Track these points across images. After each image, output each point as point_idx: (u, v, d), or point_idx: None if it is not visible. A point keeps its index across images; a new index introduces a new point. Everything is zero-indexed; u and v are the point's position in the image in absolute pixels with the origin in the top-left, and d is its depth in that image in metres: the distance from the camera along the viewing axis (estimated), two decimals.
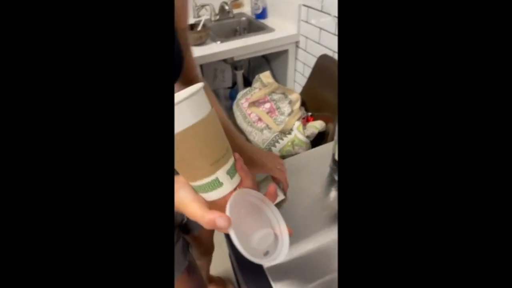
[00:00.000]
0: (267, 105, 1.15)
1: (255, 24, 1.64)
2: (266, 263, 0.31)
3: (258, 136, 1.09)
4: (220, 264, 1.24)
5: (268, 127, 1.09)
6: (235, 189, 0.34)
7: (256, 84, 1.24)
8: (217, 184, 0.32)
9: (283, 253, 0.33)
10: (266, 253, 0.34)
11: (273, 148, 1.06)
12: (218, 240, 1.09)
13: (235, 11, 1.75)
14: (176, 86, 0.62)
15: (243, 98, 1.22)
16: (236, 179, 0.33)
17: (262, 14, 1.63)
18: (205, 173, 0.31)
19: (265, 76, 1.21)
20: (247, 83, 1.69)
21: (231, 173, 0.32)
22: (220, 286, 1.21)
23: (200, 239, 0.93)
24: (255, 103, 1.17)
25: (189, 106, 0.29)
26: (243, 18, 1.72)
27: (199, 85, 0.31)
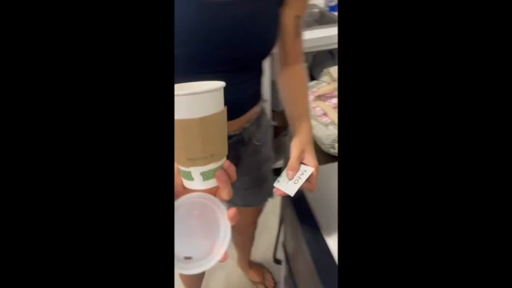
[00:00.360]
0: (334, 100, 1.11)
1: (327, 16, 1.58)
2: (177, 267, 0.32)
3: (322, 131, 1.06)
4: (263, 251, 1.25)
5: (333, 122, 1.05)
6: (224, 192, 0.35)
7: (324, 78, 1.21)
8: (189, 176, 0.34)
9: (200, 268, 0.34)
10: (189, 258, 0.34)
11: (336, 145, 1.03)
12: (266, 227, 1.09)
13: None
14: (277, 66, 0.62)
15: (309, 91, 1.19)
16: (210, 182, 0.35)
17: (336, 7, 1.57)
18: (181, 163, 0.34)
19: (335, 71, 1.17)
20: (310, 77, 1.66)
21: (205, 175, 0.34)
22: (259, 274, 1.22)
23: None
24: (321, 97, 1.14)
25: (187, 101, 0.30)
26: (315, 10, 1.67)
27: (214, 86, 0.33)
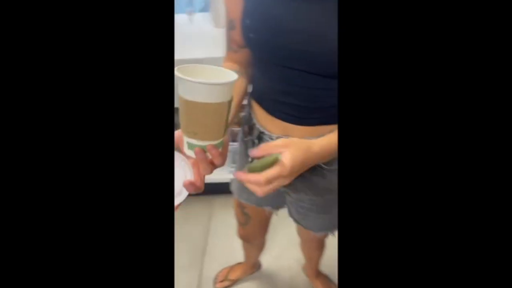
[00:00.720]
0: None
1: None
2: None
3: None
4: (329, 265, 1.18)
5: None
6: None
7: None
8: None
9: None
10: None
11: None
12: (332, 242, 1.02)
13: None
14: None
15: None
16: (192, 153, 0.41)
17: None
18: None
19: None
20: None
21: (189, 145, 0.40)
22: (325, 286, 1.15)
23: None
24: None
25: (180, 82, 0.36)
26: None
27: (227, 80, 0.36)
